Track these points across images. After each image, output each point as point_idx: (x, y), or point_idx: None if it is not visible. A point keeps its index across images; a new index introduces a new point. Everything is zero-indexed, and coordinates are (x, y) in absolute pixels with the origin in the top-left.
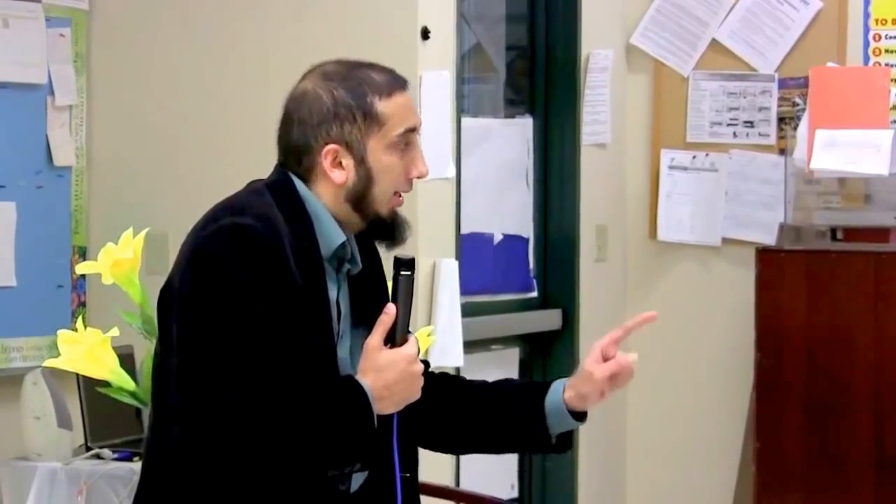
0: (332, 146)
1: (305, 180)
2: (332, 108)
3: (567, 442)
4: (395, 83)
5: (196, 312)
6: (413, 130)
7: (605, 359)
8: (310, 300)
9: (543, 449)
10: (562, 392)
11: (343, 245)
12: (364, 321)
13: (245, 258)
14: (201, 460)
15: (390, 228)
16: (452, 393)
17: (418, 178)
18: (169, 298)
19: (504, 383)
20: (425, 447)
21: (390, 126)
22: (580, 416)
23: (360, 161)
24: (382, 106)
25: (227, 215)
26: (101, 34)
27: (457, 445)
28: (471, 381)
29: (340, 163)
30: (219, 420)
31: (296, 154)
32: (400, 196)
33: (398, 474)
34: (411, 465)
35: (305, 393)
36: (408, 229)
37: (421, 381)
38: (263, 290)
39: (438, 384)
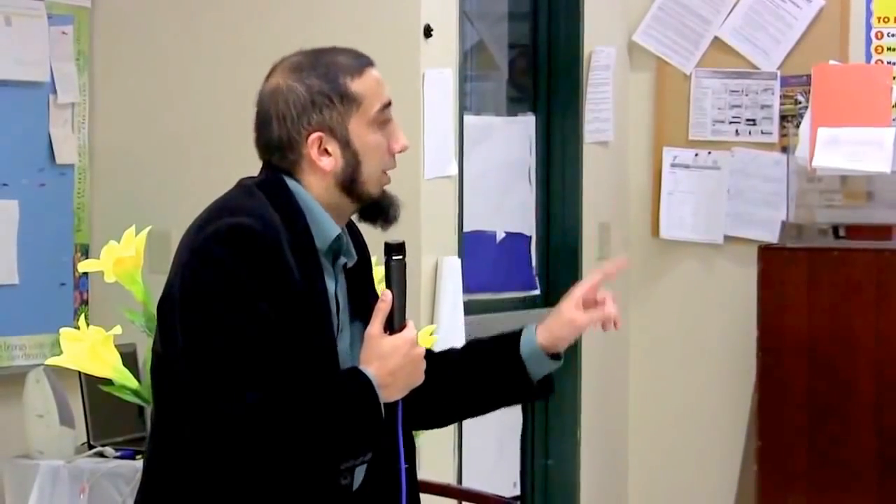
0: (315, 134)
1: (293, 175)
2: (307, 96)
3: (550, 385)
4: (363, 62)
5: (200, 315)
6: (388, 106)
7: (586, 304)
8: (310, 296)
9: (528, 397)
10: (534, 339)
11: (338, 237)
12: (358, 313)
13: (245, 258)
14: (210, 459)
15: (383, 208)
16: (430, 367)
17: (400, 151)
18: (170, 302)
19: (476, 343)
20: (414, 428)
21: (367, 104)
22: (555, 357)
23: (346, 144)
24: (356, 85)
25: (223, 216)
26: (104, 32)
27: (444, 417)
28: (442, 352)
29: (326, 150)
30: (230, 420)
31: (279, 150)
32: (386, 174)
33: (402, 464)
34: (410, 456)
35: (312, 388)
36: (399, 206)
37: (423, 365)
38: (265, 289)
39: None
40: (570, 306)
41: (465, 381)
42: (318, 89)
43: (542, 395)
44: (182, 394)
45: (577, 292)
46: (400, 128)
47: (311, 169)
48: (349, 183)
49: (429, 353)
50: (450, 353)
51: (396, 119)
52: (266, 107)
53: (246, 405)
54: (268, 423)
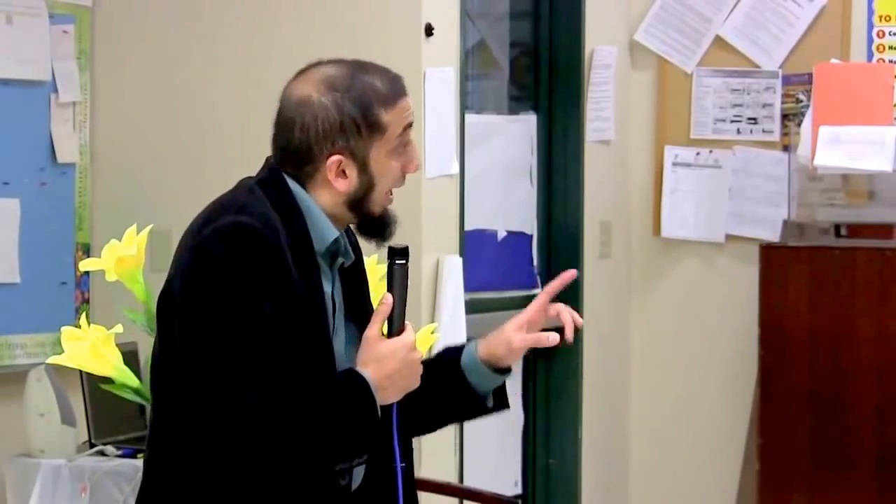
0: (336, 157)
1: (303, 183)
2: (338, 119)
3: (503, 400)
4: (398, 90)
5: (201, 313)
6: (409, 126)
7: (533, 324)
8: (307, 297)
9: (480, 411)
10: (475, 351)
11: (336, 240)
12: (353, 313)
13: (246, 257)
14: (208, 459)
15: (382, 226)
16: None
17: (412, 172)
18: (170, 300)
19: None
20: None
21: (391, 133)
22: (503, 371)
23: (363, 169)
24: (387, 116)
25: (224, 214)
26: (105, 31)
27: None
28: None
29: (344, 171)
30: (228, 419)
31: (296, 159)
32: (391, 193)
33: (399, 465)
34: (407, 455)
35: (309, 390)
36: (396, 225)
37: (421, 369)
38: (266, 288)
39: None
40: (511, 326)
41: (418, 397)
42: (349, 114)
43: (495, 410)
44: (180, 393)
45: (524, 315)
46: (416, 149)
47: (323, 184)
48: (357, 203)
49: None
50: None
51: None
52: (291, 112)
53: (244, 405)
54: (265, 424)
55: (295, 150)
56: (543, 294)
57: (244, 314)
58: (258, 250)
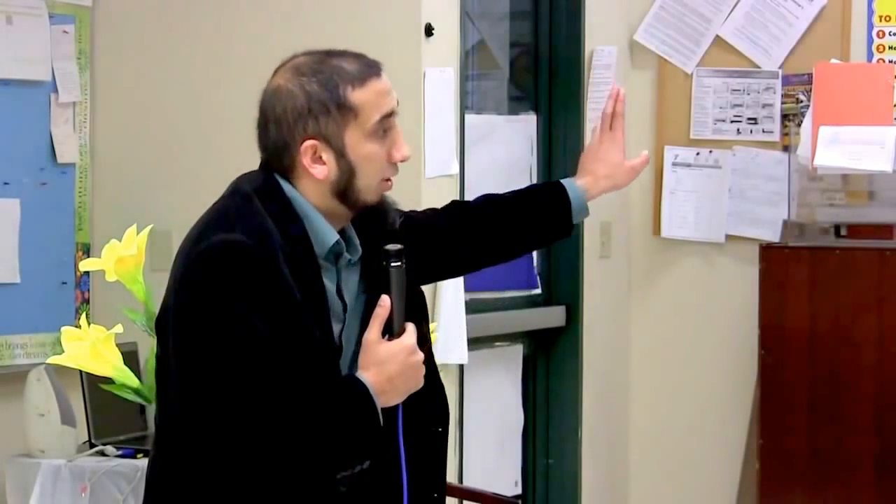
0: (309, 142)
1: (290, 178)
2: (305, 103)
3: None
4: (369, 70)
5: (194, 331)
6: (390, 115)
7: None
8: (308, 306)
9: (561, 235)
10: (583, 196)
11: (337, 242)
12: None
13: (237, 276)
14: (209, 465)
15: (380, 215)
16: (466, 213)
17: (401, 161)
18: (166, 318)
19: (525, 193)
20: (454, 274)
21: (366, 115)
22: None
23: (340, 154)
24: (356, 96)
25: (217, 230)
26: (105, 31)
27: (482, 257)
28: (472, 203)
29: (321, 157)
30: (227, 435)
31: (276, 153)
32: (388, 181)
33: (404, 464)
34: (442, 419)
35: (310, 399)
36: (395, 213)
37: (422, 370)
38: (258, 305)
39: (448, 213)
40: (605, 157)
41: (511, 224)
42: (316, 97)
43: (567, 234)
44: (180, 406)
45: (594, 153)
46: (402, 136)
47: (305, 175)
48: (343, 192)
49: (464, 205)
50: (492, 197)
51: (400, 123)
52: (266, 108)
53: (243, 422)
54: (266, 438)
55: (274, 145)
56: (603, 122)
57: (236, 333)
58: (249, 269)
